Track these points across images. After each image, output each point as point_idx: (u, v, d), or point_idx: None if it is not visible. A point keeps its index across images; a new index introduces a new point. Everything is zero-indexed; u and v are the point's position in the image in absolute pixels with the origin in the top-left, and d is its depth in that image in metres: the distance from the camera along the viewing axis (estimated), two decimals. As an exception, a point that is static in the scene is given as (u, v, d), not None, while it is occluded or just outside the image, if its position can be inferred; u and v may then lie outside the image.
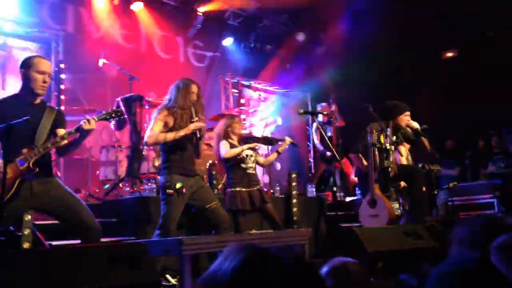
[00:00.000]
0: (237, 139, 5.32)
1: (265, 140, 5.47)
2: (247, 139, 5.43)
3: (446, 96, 9.99)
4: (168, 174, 4.30)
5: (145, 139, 4.36)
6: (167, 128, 4.32)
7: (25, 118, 3.26)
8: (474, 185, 7.48)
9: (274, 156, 5.57)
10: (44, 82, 3.52)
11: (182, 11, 9.26)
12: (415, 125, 5.75)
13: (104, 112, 3.74)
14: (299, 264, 1.05)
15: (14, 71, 7.17)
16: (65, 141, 3.54)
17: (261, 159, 5.54)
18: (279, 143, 5.68)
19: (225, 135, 5.26)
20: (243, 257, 1.01)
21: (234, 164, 5.18)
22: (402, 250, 4.30)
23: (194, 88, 4.42)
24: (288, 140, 5.51)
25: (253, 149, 5.29)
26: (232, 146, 5.22)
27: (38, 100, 3.59)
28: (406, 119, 5.75)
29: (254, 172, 5.29)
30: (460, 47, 10.18)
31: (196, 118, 4.30)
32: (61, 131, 3.61)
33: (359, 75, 10.54)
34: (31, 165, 3.36)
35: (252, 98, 10.24)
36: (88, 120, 3.49)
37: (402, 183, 5.85)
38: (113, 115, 3.73)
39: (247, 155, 5.22)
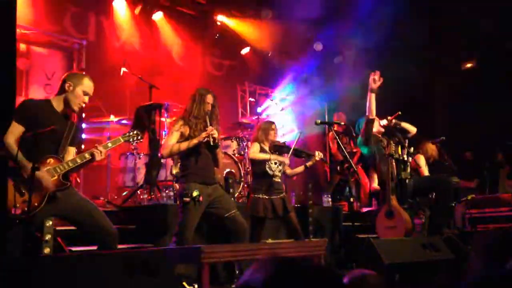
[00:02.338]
0: (269, 144, 5.38)
1: (295, 152, 5.46)
2: (278, 147, 5.44)
3: (465, 107, 9.91)
4: (185, 182, 4.35)
5: (161, 151, 4.45)
6: (184, 138, 4.39)
7: (51, 127, 3.35)
8: (493, 198, 7.40)
9: (301, 169, 5.56)
10: (84, 102, 3.67)
11: (201, 21, 9.36)
12: None
13: (120, 137, 3.87)
14: (327, 274, 1.08)
15: (37, 78, 7.33)
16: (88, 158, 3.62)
17: (288, 170, 5.56)
18: (309, 157, 5.63)
19: (259, 139, 5.35)
20: (274, 268, 1.05)
21: (261, 171, 5.23)
22: (419, 262, 4.28)
23: (209, 98, 4.48)
24: (318, 155, 5.50)
25: (283, 156, 5.32)
26: (262, 150, 5.29)
27: (67, 112, 3.69)
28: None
29: (279, 180, 5.32)
30: (479, 58, 10.09)
31: (210, 127, 4.34)
32: (72, 150, 3.74)
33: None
34: (61, 178, 3.45)
35: (269, 107, 10.26)
36: (101, 152, 3.61)
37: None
38: (132, 139, 3.89)
39: (275, 163, 5.26)
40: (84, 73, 3.90)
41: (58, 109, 3.63)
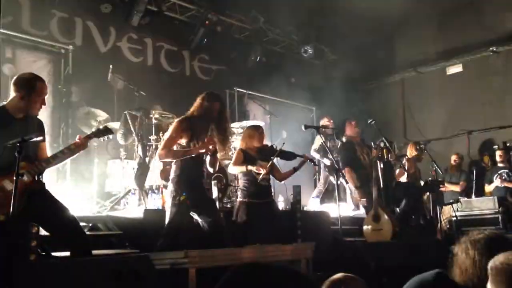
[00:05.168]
0: (255, 149, 5.35)
1: (282, 154, 5.40)
2: (265, 150, 5.40)
3: (451, 111, 10.01)
4: (174, 184, 4.35)
5: (159, 151, 4.42)
6: (186, 139, 4.37)
7: (39, 138, 3.33)
8: (479, 201, 7.46)
9: (290, 172, 5.55)
10: (43, 104, 3.65)
11: (189, 25, 9.36)
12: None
13: (93, 130, 3.87)
14: (299, 279, 1.10)
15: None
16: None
17: (277, 174, 5.54)
18: (297, 158, 5.60)
19: (245, 144, 5.33)
20: (246, 274, 1.06)
21: (247, 175, 5.20)
22: (407, 265, 4.30)
23: (216, 106, 4.48)
24: (306, 157, 5.49)
25: (269, 160, 5.27)
26: (247, 156, 5.26)
27: (22, 115, 3.65)
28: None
29: (267, 184, 5.29)
30: (464, 63, 10.20)
31: (211, 141, 4.33)
32: (43, 145, 3.73)
33: (364, 89, 10.61)
34: (36, 179, 3.43)
35: (257, 111, 10.27)
36: (83, 143, 3.64)
37: None
38: (102, 133, 3.89)
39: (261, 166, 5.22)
40: (31, 73, 3.83)
41: (15, 113, 3.60)
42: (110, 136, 3.97)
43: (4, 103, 3.73)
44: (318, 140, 8.22)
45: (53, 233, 3.64)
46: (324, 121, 8.50)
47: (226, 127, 4.55)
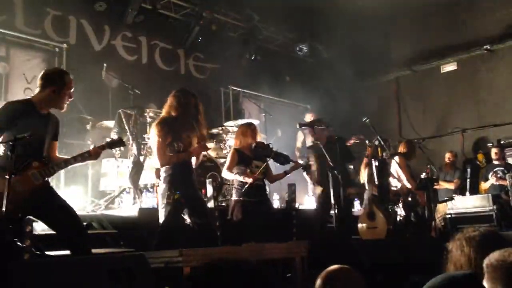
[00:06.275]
0: (249, 148, 5.34)
1: (276, 156, 5.38)
2: (260, 149, 5.39)
3: (445, 109, 10.05)
4: (167, 184, 4.34)
5: (158, 161, 4.39)
6: (170, 140, 4.35)
7: (27, 134, 3.35)
8: (473, 198, 7.48)
9: (281, 175, 5.57)
10: (70, 99, 3.75)
11: (183, 24, 9.34)
12: None
13: (108, 140, 3.99)
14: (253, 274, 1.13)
15: (17, 82, 7.24)
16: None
17: (270, 175, 5.53)
18: (288, 162, 5.59)
19: (238, 142, 5.32)
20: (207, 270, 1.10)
21: (242, 174, 5.20)
22: (401, 262, 4.32)
23: (193, 101, 4.47)
24: (297, 164, 5.51)
25: (263, 161, 5.27)
26: (242, 156, 5.25)
27: (47, 111, 3.70)
28: None
29: (261, 183, 5.29)
30: (458, 61, 10.24)
31: (200, 138, 4.35)
32: (55, 144, 3.78)
33: (359, 88, 10.61)
34: (44, 181, 3.46)
35: (252, 110, 10.27)
36: (97, 153, 3.74)
37: None
38: (115, 145, 3.98)
39: (256, 166, 5.23)
40: (61, 68, 3.93)
41: (40, 108, 3.63)
42: (122, 148, 4.05)
43: (29, 97, 3.78)
44: (300, 137, 8.25)
45: (58, 229, 3.64)
46: (307, 117, 8.45)
47: (202, 121, 4.55)
